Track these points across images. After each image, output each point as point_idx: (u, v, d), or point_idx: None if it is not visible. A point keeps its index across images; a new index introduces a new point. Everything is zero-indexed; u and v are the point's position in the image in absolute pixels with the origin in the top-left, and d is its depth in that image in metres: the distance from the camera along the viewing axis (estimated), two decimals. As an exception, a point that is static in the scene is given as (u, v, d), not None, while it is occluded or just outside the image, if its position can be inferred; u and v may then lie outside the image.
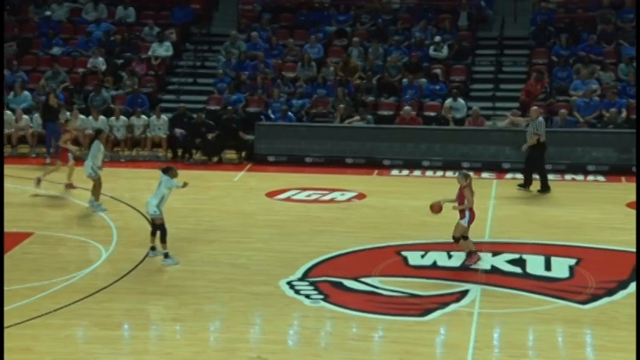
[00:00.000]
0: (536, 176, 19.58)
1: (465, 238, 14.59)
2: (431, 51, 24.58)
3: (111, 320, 13.12)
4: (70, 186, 18.98)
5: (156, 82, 24.40)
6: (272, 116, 22.67)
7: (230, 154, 22.21)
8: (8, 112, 22.18)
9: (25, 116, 21.93)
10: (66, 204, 18.34)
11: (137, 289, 14.22)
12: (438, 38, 24.75)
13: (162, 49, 24.90)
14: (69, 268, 14.81)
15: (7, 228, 16.48)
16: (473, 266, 14.53)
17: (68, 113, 21.91)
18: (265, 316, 13.31)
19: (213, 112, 22.98)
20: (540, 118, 19.37)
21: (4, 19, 18.26)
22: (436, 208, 14.70)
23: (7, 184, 19.41)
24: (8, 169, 20.66)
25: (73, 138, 19.53)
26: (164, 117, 22.26)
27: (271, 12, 26.20)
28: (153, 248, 15.24)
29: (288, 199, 19.09)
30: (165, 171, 15.09)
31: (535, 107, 19.82)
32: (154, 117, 22.20)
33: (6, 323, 12.67)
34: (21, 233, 16.31)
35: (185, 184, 15.14)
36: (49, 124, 21.47)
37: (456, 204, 14.46)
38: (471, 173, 15.71)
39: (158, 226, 15.01)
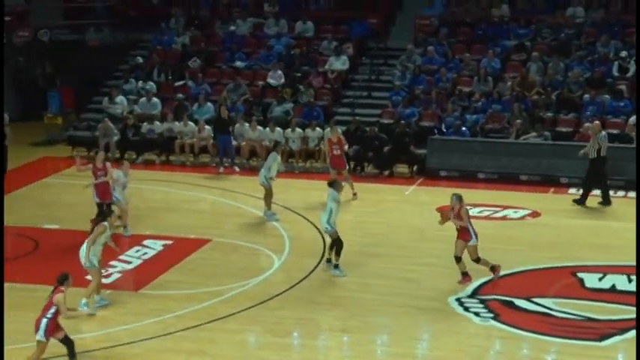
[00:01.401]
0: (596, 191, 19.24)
1: (478, 260, 14.56)
2: (616, 66, 23.68)
3: (282, 327, 13.43)
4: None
5: (331, 95, 24.80)
6: (445, 131, 22.52)
7: (402, 168, 22.23)
8: (191, 122, 23.16)
9: (207, 127, 22.82)
10: (242, 212, 18.92)
11: (308, 299, 14.47)
12: (624, 53, 23.81)
13: (339, 63, 25.29)
14: (243, 275, 15.27)
15: (186, 234, 17.26)
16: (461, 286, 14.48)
17: (247, 124, 22.62)
18: (433, 332, 13.22)
19: (387, 125, 23.07)
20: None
21: (4, 18, 19.03)
22: (444, 216, 14.84)
23: (189, 192, 20.27)
24: (190, 178, 21.58)
25: (250, 148, 20.12)
26: (338, 130, 22.54)
27: (448, 26, 26.07)
28: (328, 260, 15.48)
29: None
30: (331, 184, 15.29)
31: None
32: (328, 129, 22.54)
33: (183, 326, 13.25)
34: (200, 239, 16.97)
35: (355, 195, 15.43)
36: (220, 135, 22.27)
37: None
38: None
39: (333, 241, 15.25)
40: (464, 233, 14.48)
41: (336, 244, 15.19)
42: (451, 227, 17.87)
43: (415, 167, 22.09)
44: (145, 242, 16.58)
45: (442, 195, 20.09)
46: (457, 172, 21.65)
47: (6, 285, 14.79)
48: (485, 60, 24.45)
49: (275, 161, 18.03)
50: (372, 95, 24.99)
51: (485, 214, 18.80)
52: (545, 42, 25.15)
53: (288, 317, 13.77)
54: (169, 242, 16.63)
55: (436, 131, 22.56)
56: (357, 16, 26.70)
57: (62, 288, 11.73)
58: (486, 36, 25.62)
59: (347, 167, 20.09)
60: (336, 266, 15.24)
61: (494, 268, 14.71)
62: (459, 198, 14.61)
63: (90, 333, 12.08)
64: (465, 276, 14.66)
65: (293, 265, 15.95)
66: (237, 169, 21.99)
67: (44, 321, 11.55)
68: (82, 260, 13.45)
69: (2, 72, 18.03)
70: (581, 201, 19.29)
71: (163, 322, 13.42)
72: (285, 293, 14.62)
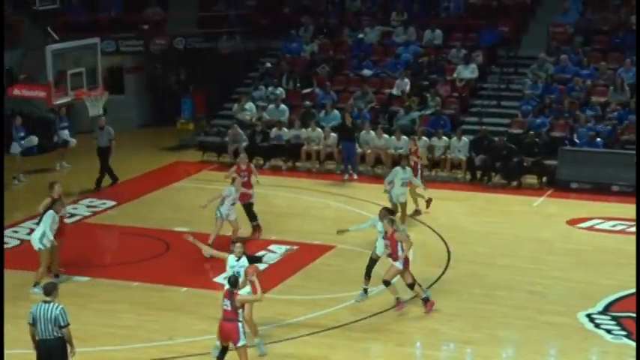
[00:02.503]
0: None
1: (412, 285, 13.93)
2: None
3: (404, 337, 13.35)
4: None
5: (459, 104, 24.50)
6: (577, 141, 21.88)
7: (530, 179, 21.74)
8: (318, 129, 23.34)
9: (333, 134, 22.94)
10: (366, 220, 18.81)
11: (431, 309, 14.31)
12: None
13: (468, 71, 24.96)
14: (373, 282, 15.22)
15: (311, 240, 17.37)
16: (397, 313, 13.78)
17: (373, 132, 22.63)
18: (561, 348, 12.86)
19: (515, 135, 22.61)
20: None
21: (3, 18, 19.21)
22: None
23: (314, 198, 20.42)
24: (315, 184, 21.72)
25: (375, 156, 20.04)
26: (465, 139, 22.28)
27: (583, 34, 25.34)
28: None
29: (590, 228, 18.30)
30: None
31: None
32: (454, 139, 22.30)
33: (307, 331, 13.34)
34: (324, 245, 17.06)
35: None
36: (344, 142, 22.33)
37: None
38: None
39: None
40: (395, 254, 13.88)
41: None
42: (581, 241, 17.38)
43: (545, 178, 21.56)
44: (271, 247, 16.79)
45: (573, 207, 19.63)
46: (589, 184, 21.00)
47: (136, 284, 15.34)
48: (622, 69, 23.64)
49: (395, 176, 17.84)
50: (501, 104, 24.55)
51: (619, 228, 18.16)
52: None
53: (411, 327, 13.67)
54: (294, 247, 16.77)
55: (567, 142, 21.96)
56: (488, 24, 26.31)
57: (235, 291, 11.65)
58: (624, 44, 24.75)
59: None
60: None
61: (399, 300, 14.00)
62: (392, 221, 14.03)
63: (212, 335, 12.31)
64: (399, 302, 14.01)
65: (416, 274, 15.73)
66: (355, 176, 22.02)
67: (240, 325, 11.51)
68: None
69: (2, 73, 18.65)
70: None
71: (288, 327, 13.55)
72: (409, 302, 14.50)
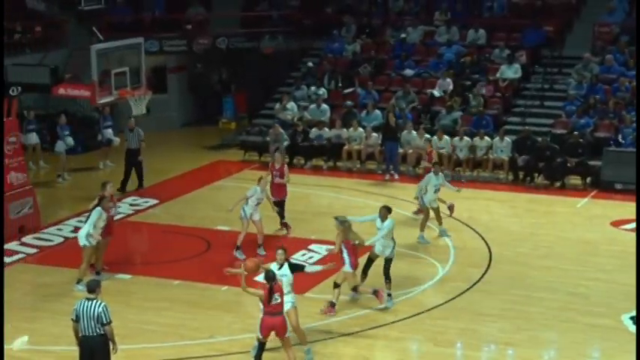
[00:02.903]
0: None
1: (355, 289, 13.95)
2: None
3: (444, 337, 13.28)
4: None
5: (502, 104, 24.31)
6: (622, 142, 21.59)
7: (574, 180, 21.50)
8: (360, 128, 23.31)
9: (374, 134, 22.89)
10: (406, 221, 18.81)
11: (472, 310, 14.24)
12: None
13: (511, 71, 24.76)
14: (406, 283, 15.20)
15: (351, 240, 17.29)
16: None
17: (414, 132, 22.54)
18: (605, 350, 12.71)
19: (559, 135, 22.38)
20: None
21: (3, 17, 19.12)
22: None
23: (355, 198, 20.38)
24: (356, 184, 21.71)
25: (417, 156, 20.01)
26: (507, 139, 22.10)
27: (630, 34, 25.00)
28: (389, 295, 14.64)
29: (634, 229, 18.03)
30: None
31: None
32: (497, 139, 22.13)
33: (346, 330, 13.33)
34: (364, 246, 16.99)
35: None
36: (387, 142, 22.26)
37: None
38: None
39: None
40: (340, 259, 13.84)
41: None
42: (625, 242, 17.14)
43: (588, 179, 21.31)
44: (311, 247, 16.81)
45: (617, 209, 19.37)
46: (634, 184, 20.65)
47: (177, 282, 15.45)
48: (669, 69, 23.28)
49: (428, 183, 17.68)
50: (544, 105, 24.33)
51: (664, 230, 17.87)
52: None
53: (451, 327, 13.60)
54: (334, 247, 16.76)
55: (612, 142, 21.67)
56: (532, 24, 26.07)
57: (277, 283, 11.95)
58: (672, 44, 24.36)
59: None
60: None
61: (333, 305, 13.91)
62: (343, 222, 13.95)
63: (252, 334, 12.35)
64: (331, 306, 13.89)
65: (457, 274, 15.74)
66: (396, 176, 21.95)
67: (285, 317, 11.91)
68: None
69: (2, 72, 18.75)
70: None
71: (326, 326, 13.56)
72: (448, 303, 14.45)
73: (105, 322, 10.89)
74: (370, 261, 14.58)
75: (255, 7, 29.48)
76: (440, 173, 17.85)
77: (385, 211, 14.46)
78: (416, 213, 18.79)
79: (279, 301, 11.70)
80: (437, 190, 17.65)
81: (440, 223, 17.65)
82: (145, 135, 21.24)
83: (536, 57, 25.72)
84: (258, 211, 16.43)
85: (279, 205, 17.57)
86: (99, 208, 14.96)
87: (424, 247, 17.09)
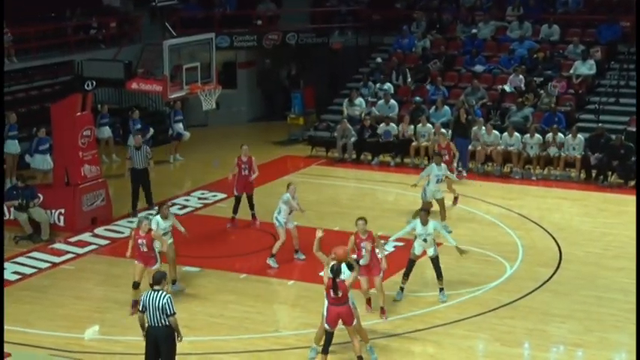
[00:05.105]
0: None
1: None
2: None
3: (512, 337, 13.10)
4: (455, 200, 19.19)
5: (575, 101, 23.85)
6: (700, 141, 21.02)
7: (649, 179, 21.00)
8: (429, 124, 23.12)
9: (443, 130, 22.67)
10: (475, 218, 18.63)
11: (540, 309, 14.02)
12: None
13: (586, 68, 24.28)
14: (473, 281, 15.04)
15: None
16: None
17: (484, 128, 22.26)
18: (676, 354, 12.33)
19: (634, 133, 21.85)
20: None
21: (3, 17, 18.96)
22: None
23: (420, 194, 20.17)
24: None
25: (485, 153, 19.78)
26: (580, 137, 21.67)
27: None
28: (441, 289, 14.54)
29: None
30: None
31: None
32: (569, 136, 21.72)
33: (411, 328, 13.25)
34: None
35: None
36: (458, 139, 22.03)
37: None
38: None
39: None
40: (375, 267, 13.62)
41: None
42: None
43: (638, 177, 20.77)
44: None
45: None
46: None
47: (244, 276, 15.55)
48: None
49: (431, 173, 17.49)
50: (619, 102, 23.79)
51: None
52: None
53: (518, 327, 13.41)
54: (401, 244, 16.69)
55: (689, 141, 21.09)
56: (608, 20, 25.51)
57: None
58: None
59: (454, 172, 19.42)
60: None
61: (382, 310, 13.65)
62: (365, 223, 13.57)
63: (316, 329, 12.36)
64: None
65: (525, 273, 15.50)
66: (464, 173, 21.72)
67: (353, 305, 12.00)
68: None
69: (2, 71, 18.82)
70: None
71: (391, 323, 13.49)
72: (516, 302, 14.25)
73: (169, 313, 11.02)
74: (412, 262, 14.39)
75: (324, 2, 29.50)
76: (442, 164, 17.68)
77: (425, 216, 14.25)
78: (454, 203, 18.72)
79: (340, 295, 11.69)
80: (439, 181, 17.50)
81: (443, 218, 17.31)
82: (214, 129, 21.30)
83: (611, 53, 25.16)
84: (292, 219, 16.15)
85: (249, 199, 17.97)
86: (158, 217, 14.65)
87: (495, 244, 16.81)
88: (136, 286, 13.77)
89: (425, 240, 14.15)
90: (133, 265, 13.96)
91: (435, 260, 14.26)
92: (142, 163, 18.68)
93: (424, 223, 14.15)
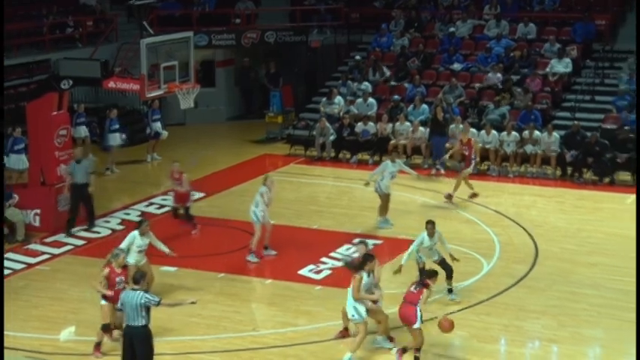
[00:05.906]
0: None
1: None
2: None
3: (488, 334, 13.20)
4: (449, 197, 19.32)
5: (551, 99, 24.02)
6: (674, 138, 21.22)
7: (624, 176, 21.15)
8: (406, 122, 23.20)
9: (421, 128, 22.77)
10: (452, 215, 18.72)
11: (516, 306, 14.14)
12: None
13: (561, 66, 24.45)
14: (457, 278, 15.09)
15: (396, 235, 17.30)
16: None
17: (461, 126, 22.37)
18: (650, 349, 12.47)
19: (609, 131, 22.04)
20: None
21: (3, 16, 18.97)
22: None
23: (400, 193, 20.28)
24: (402, 179, 21.56)
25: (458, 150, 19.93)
26: (555, 134, 21.84)
27: (683, 27, 24.56)
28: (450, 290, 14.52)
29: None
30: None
31: None
32: (545, 134, 21.87)
33: (390, 325, 13.28)
34: (409, 240, 16.67)
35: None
36: (435, 137, 22.13)
37: None
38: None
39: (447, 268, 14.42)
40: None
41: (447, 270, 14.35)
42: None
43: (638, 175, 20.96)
44: (355, 241, 16.78)
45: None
46: (685, 181, 20.32)
47: (222, 275, 15.55)
48: None
49: (385, 169, 17.73)
50: (595, 99, 23.99)
51: None
52: None
53: (494, 323, 13.51)
54: (379, 242, 16.78)
55: (663, 138, 21.29)
56: (583, 18, 25.70)
57: (429, 282, 12.19)
58: None
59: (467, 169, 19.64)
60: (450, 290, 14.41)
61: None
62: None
63: (294, 327, 12.42)
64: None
65: (502, 270, 15.62)
66: (442, 171, 21.85)
67: (418, 309, 12.00)
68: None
69: (2, 70, 18.79)
70: None
71: (370, 321, 13.51)
72: (492, 299, 14.36)
73: (154, 303, 11.01)
74: (422, 270, 14.21)
75: (303, 1, 29.53)
76: (397, 160, 17.92)
77: (432, 227, 14.23)
78: (471, 197, 18.88)
79: (413, 291, 12.18)
80: (393, 177, 17.82)
81: (384, 213, 17.69)
82: (192, 127, 21.27)
83: (587, 51, 25.36)
84: (267, 211, 16.07)
85: (185, 210, 17.61)
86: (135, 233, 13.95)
87: (472, 242, 16.91)
88: (106, 328, 12.43)
89: (431, 249, 14.18)
90: (99, 306, 12.49)
91: (442, 262, 14.23)
92: (83, 177, 17.57)
93: (431, 235, 14.13)
